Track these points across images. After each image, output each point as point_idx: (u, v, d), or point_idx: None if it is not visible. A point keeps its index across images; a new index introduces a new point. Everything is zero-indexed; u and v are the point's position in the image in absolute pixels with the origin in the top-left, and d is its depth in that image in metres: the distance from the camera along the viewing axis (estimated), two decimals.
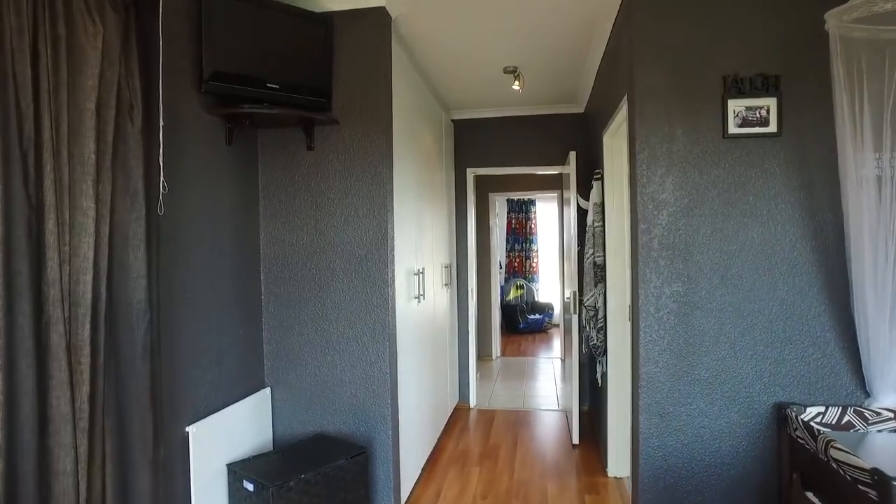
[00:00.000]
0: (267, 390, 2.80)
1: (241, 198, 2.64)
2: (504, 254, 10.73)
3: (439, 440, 4.25)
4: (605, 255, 3.63)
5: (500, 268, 9.59)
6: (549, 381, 6.26)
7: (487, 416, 4.92)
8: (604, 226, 3.65)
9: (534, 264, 10.88)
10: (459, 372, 5.23)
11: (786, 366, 2.47)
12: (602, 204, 3.68)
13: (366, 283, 2.77)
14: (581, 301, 3.87)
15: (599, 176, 3.73)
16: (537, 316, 9.92)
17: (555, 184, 7.57)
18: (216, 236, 2.41)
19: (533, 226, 10.84)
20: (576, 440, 4.14)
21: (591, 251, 3.72)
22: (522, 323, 9.75)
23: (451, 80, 4.21)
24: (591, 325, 3.78)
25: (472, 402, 5.25)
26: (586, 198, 3.91)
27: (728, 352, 2.50)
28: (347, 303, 2.78)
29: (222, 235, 2.46)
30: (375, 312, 2.76)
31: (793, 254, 2.46)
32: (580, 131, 5.05)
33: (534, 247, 10.86)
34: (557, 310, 10.35)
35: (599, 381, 3.77)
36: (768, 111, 2.46)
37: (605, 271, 3.64)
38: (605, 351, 3.65)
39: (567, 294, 4.25)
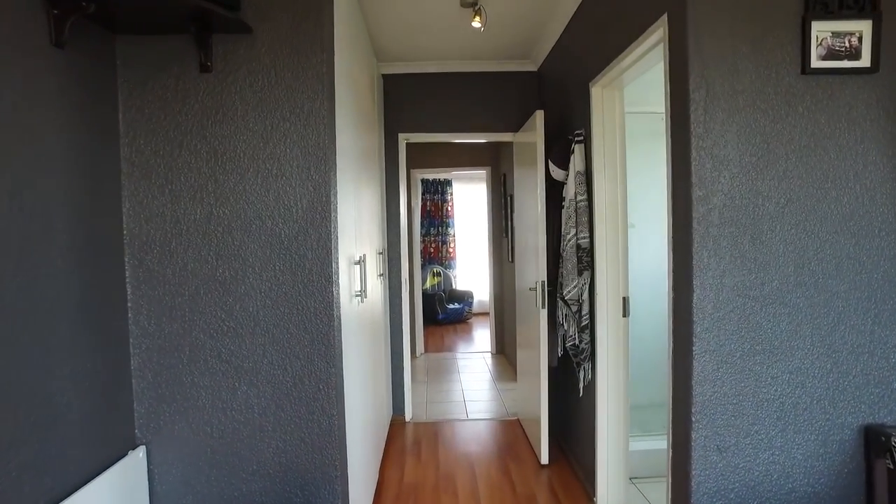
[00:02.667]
0: (140, 451, 1.77)
1: (85, 143, 1.58)
2: (419, 239, 9.91)
3: (381, 471, 3.37)
4: (591, 237, 2.92)
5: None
6: (486, 382, 5.56)
7: (429, 432, 4.10)
8: (589, 199, 2.93)
9: (451, 250, 10.18)
10: (393, 378, 4.37)
11: (876, 378, 1.87)
12: (587, 173, 2.96)
13: (297, 277, 1.82)
14: (561, 295, 3.15)
15: (582, 138, 3.00)
16: (457, 305, 9.24)
17: (484, 158, 6.85)
18: (32, 207, 1.35)
19: (450, 208, 10.12)
20: (545, 459, 3.44)
21: (572, 231, 2.99)
22: (441, 313, 9.03)
23: (392, 18, 3.29)
24: (573, 323, 3.07)
25: (409, 414, 4.40)
26: (562, 166, 3.17)
27: (803, 362, 1.87)
28: (269, 309, 1.82)
29: (47, 206, 1.40)
30: (313, 322, 1.83)
31: (888, 232, 1.85)
32: (535, 92, 4.32)
33: (450, 231, 10.16)
34: (478, 297, 9.74)
35: (581, 390, 3.08)
36: (860, 39, 1.83)
37: (591, 256, 2.93)
38: (592, 355, 2.96)
39: (532, 284, 3.52)
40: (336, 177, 1.91)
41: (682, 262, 1.90)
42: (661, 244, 4.14)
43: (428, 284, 9.56)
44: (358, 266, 2.50)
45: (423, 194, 10.00)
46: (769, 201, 1.85)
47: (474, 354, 6.82)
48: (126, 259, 1.75)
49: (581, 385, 3.05)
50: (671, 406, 2.02)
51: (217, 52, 1.76)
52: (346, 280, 2.19)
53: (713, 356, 1.85)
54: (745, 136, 1.83)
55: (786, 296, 1.86)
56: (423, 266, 9.72)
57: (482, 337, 7.90)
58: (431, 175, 9.82)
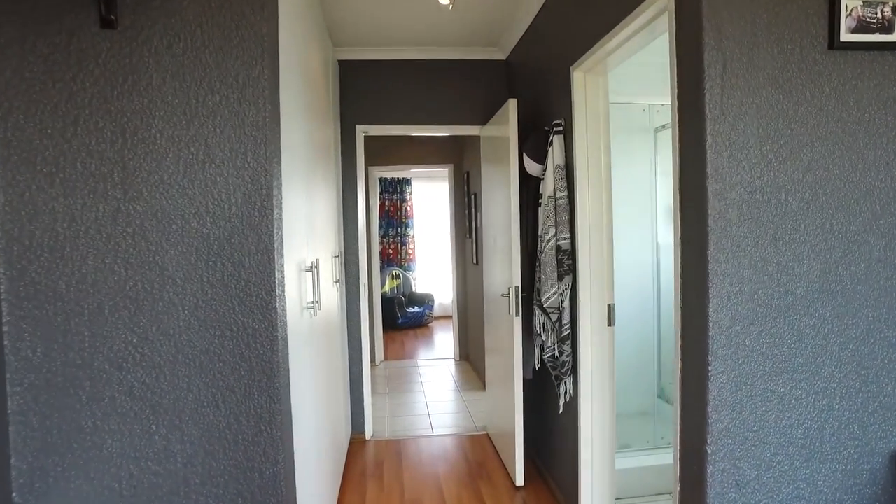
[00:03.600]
0: None
1: None
2: (377, 240, 9.52)
3: (339, 501, 3.00)
4: (573, 237, 2.64)
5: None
6: (451, 392, 5.24)
7: (392, 451, 3.75)
8: (570, 196, 2.65)
9: (410, 251, 9.83)
10: (352, 392, 3.99)
11: None
12: (567, 167, 2.68)
13: (231, 290, 1.45)
14: (538, 302, 2.85)
15: (561, 128, 2.72)
16: (417, 309, 8.90)
17: (447, 155, 6.54)
18: None
19: (409, 208, 9.77)
20: (520, 480, 3.15)
21: (551, 232, 2.70)
22: (401, 317, 8.67)
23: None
24: (552, 334, 2.78)
25: (369, 431, 4.04)
26: (539, 159, 2.88)
27: (829, 381, 1.62)
28: (195, 332, 1.44)
29: None
30: (252, 346, 1.46)
31: None
32: (503, 82, 4.03)
33: (409, 232, 9.81)
34: (438, 300, 9.43)
35: (562, 407, 2.79)
36: (893, 10, 1.60)
37: (573, 259, 2.65)
38: (574, 368, 2.68)
39: (504, 290, 3.22)
40: (281, 166, 1.55)
41: (695, 266, 1.62)
42: (639, 246, 3.95)
43: (387, 287, 9.19)
44: (310, 273, 2.14)
45: (380, 193, 9.61)
46: (792, 196, 1.59)
47: (437, 361, 6.50)
48: (0, 269, 1.34)
49: (561, 402, 2.77)
50: (679, 436, 1.74)
51: (124, 2, 1.37)
52: (296, 290, 1.83)
53: (731, 377, 1.58)
54: (766, 120, 1.57)
55: (811, 305, 1.61)
56: (381, 268, 9.35)
57: (444, 342, 7.58)
58: (390, 173, 9.46)
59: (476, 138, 5.39)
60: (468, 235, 6.14)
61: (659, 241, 3.77)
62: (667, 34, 1.78)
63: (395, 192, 9.76)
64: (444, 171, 8.02)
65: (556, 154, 2.70)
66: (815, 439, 1.62)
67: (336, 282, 3.23)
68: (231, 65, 1.41)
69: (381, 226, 9.59)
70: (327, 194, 2.99)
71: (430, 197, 9.80)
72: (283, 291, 1.52)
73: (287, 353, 1.55)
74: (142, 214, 1.38)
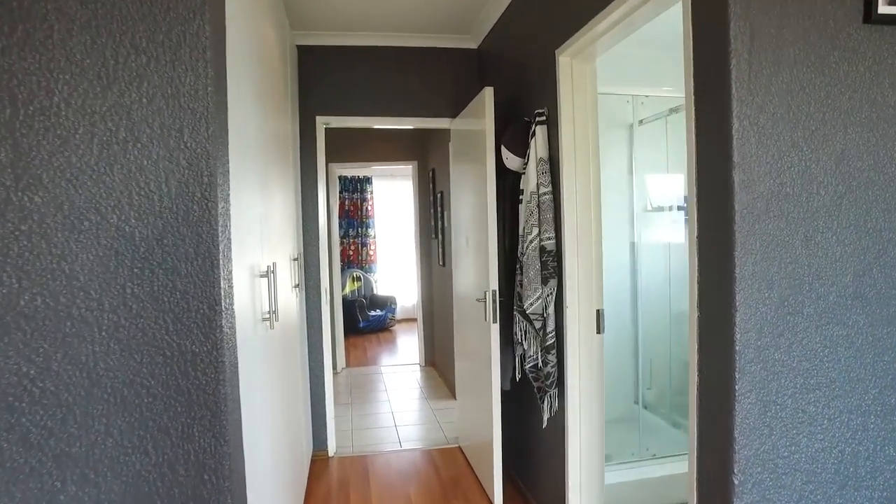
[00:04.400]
0: None
1: None
2: (338, 240, 9.16)
3: None
4: (558, 237, 2.42)
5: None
6: (418, 401, 4.97)
7: (358, 469, 3.45)
8: (555, 192, 2.43)
9: (371, 252, 9.51)
10: (313, 407, 3.68)
11: None
12: (552, 160, 2.46)
13: (163, 304, 1.14)
14: (519, 307, 2.62)
15: (545, 118, 2.49)
16: (379, 312, 8.60)
17: (411, 151, 6.26)
18: None
19: (370, 207, 9.45)
20: (498, 499, 2.90)
21: (534, 231, 2.47)
22: (363, 321, 8.35)
23: None
24: (535, 342, 2.55)
25: (332, 447, 3.73)
26: (519, 152, 2.65)
27: (864, 397, 1.43)
28: (115, 358, 1.12)
29: None
30: (191, 375, 1.16)
31: None
32: (475, 73, 3.80)
33: (371, 232, 9.49)
34: (401, 303, 9.14)
35: (545, 422, 2.56)
36: None
37: (558, 261, 2.42)
38: (560, 380, 2.45)
39: (480, 294, 2.98)
40: (228, 148, 1.25)
41: (717, 269, 1.41)
42: (616, 246, 3.78)
43: (347, 290, 8.84)
44: (266, 279, 1.84)
45: (340, 193, 9.26)
46: (824, 189, 1.40)
47: (402, 367, 6.22)
48: None
49: (545, 417, 2.54)
50: (696, 466, 1.52)
51: None
52: (249, 301, 1.53)
53: (759, 396, 1.37)
54: (796, 101, 1.37)
55: (843, 313, 1.41)
56: (341, 270, 8.99)
57: (409, 347, 7.30)
58: (351, 171, 9.13)
59: (442, 134, 5.15)
60: (433, 236, 5.88)
61: (636, 241, 3.61)
62: (670, 11, 1.58)
63: (355, 191, 9.43)
64: (406, 170, 7.75)
65: (538, 146, 2.47)
66: (849, 464, 1.43)
67: (295, 286, 2.92)
68: (162, 17, 1.11)
69: (340, 226, 9.23)
70: (285, 190, 2.68)
71: (391, 196, 9.50)
72: (232, 304, 1.23)
73: (237, 381, 1.26)
74: (41, 208, 1.06)
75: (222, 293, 1.17)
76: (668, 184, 3.69)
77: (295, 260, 2.98)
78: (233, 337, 1.23)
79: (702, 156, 1.46)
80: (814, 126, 1.38)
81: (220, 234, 1.16)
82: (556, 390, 2.47)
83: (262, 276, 1.81)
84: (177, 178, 1.12)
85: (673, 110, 3.46)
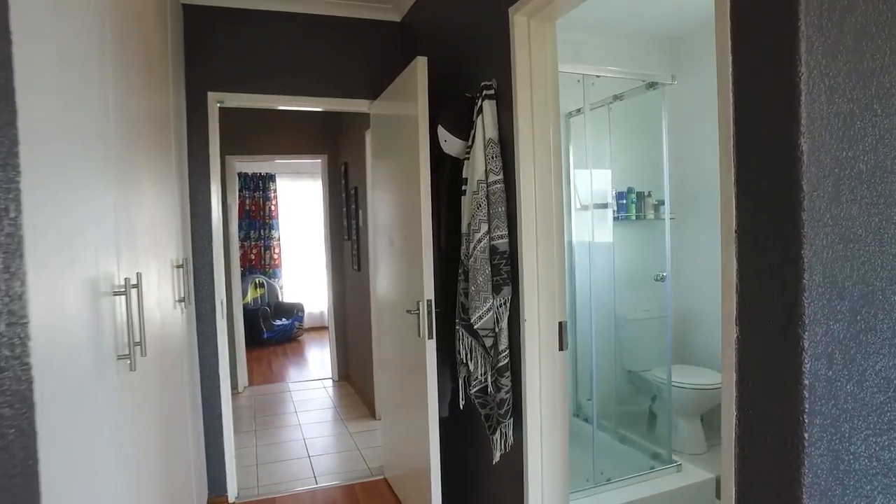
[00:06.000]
0: None
1: None
2: (238, 243, 8.31)
3: None
4: (513, 235, 2.00)
5: None
6: (333, 424, 4.40)
7: None
8: (509, 180, 2.01)
9: (275, 256, 8.74)
10: (207, 442, 3.03)
11: None
12: (504, 141, 2.04)
13: None
14: (465, 321, 2.17)
15: (493, 92, 2.07)
16: (285, 321, 7.88)
17: (320, 143, 5.66)
18: None
19: (273, 207, 8.68)
20: None
21: (483, 228, 2.04)
22: (267, 331, 7.60)
23: None
24: (484, 363, 2.12)
25: (233, 490, 3.09)
26: (461, 133, 2.21)
27: None
28: None
29: None
30: None
31: None
32: (398, 50, 3.32)
33: (275, 234, 8.73)
34: (309, 310, 8.46)
35: (498, 457, 2.14)
36: None
37: (513, 264, 2.01)
38: (516, 408, 2.04)
39: (411, 304, 2.50)
40: (16, 117, 0.69)
41: (772, 274, 1.03)
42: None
43: (249, 298, 8.04)
44: (124, 297, 1.26)
45: (240, 191, 8.42)
46: None
47: (312, 383, 5.60)
48: None
49: (498, 453, 2.11)
50: None
51: None
52: (88, 331, 0.97)
53: (830, 444, 1.01)
54: (870, 48, 1.03)
55: None
56: (242, 276, 8.16)
57: (319, 359, 6.67)
58: (252, 166, 8.33)
59: (355, 125, 4.62)
60: (346, 237, 5.33)
61: (572, 240, 3.30)
62: None
63: (256, 190, 8.63)
64: (314, 166, 7.12)
65: (487, 124, 2.04)
66: None
67: (180, 301, 2.30)
68: None
69: (241, 228, 8.39)
70: (162, 181, 2.06)
71: (297, 195, 8.79)
72: (26, 350, 0.67)
73: (36, 478, 0.70)
74: None
75: (27, 345, 0.62)
76: (601, 179, 3.42)
77: (179, 267, 2.35)
78: (40, 407, 0.68)
79: (744, 117, 1.08)
80: (888, 82, 1.05)
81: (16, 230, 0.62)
82: (512, 420, 2.05)
83: (116, 294, 1.23)
84: None
85: (617, 97, 3.18)
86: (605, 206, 3.36)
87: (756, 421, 1.08)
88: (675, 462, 2.89)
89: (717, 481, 2.85)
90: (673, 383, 3.09)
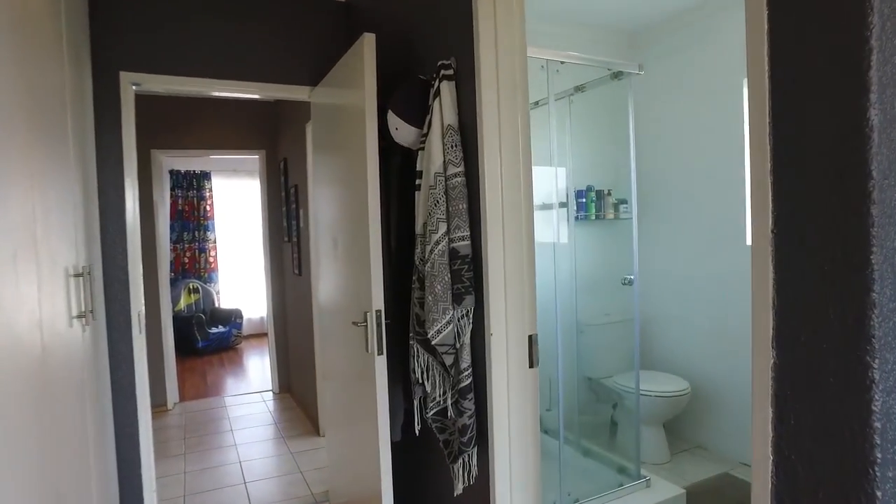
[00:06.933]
0: None
1: None
2: (169, 246, 7.73)
3: None
4: (475, 236, 1.74)
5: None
6: (273, 442, 4.03)
7: None
8: (472, 173, 1.75)
9: (211, 259, 8.20)
10: (122, 477, 2.62)
11: None
12: (465, 128, 1.77)
13: None
14: (420, 335, 1.89)
15: (452, 72, 1.81)
16: (221, 328, 7.37)
17: (256, 138, 5.26)
18: None
19: (208, 207, 8.13)
20: None
21: (441, 228, 1.77)
22: (203, 340, 7.09)
23: None
24: (443, 382, 1.85)
25: None
26: (415, 120, 1.93)
27: None
28: None
29: None
30: None
31: None
32: (342, 32, 3.01)
33: (210, 236, 8.18)
34: (248, 316, 7.96)
35: (460, 489, 1.87)
36: None
37: (476, 269, 1.75)
38: (481, 434, 1.78)
39: (358, 315, 2.20)
40: None
41: (823, 285, 0.81)
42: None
43: (182, 304, 7.49)
44: None
45: (172, 189, 7.85)
46: None
47: (251, 397, 5.18)
48: None
49: (459, 486, 1.84)
50: None
51: None
52: None
53: None
54: None
55: None
56: (174, 282, 7.58)
57: (259, 369, 6.24)
58: (183, 162, 7.77)
59: (295, 118, 4.26)
60: (287, 238, 4.95)
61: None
62: None
63: (190, 189, 8.06)
64: (252, 163, 6.69)
65: (445, 109, 1.77)
66: None
67: (78, 317, 1.92)
68: None
69: (173, 229, 7.82)
70: (52, 174, 1.68)
71: (234, 194, 8.27)
72: None
73: None
74: None
75: None
76: (557, 177, 3.21)
77: (77, 276, 1.97)
78: None
79: (786, 86, 0.85)
80: None
81: None
82: (476, 449, 1.79)
83: None
84: None
85: (578, 89, 2.98)
86: (551, 206, 3.13)
87: (802, 471, 0.85)
88: (644, 477, 2.71)
89: (687, 496, 2.69)
90: (634, 390, 2.92)
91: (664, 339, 3.60)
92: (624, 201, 3.39)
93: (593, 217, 3.37)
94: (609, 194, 3.41)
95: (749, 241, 3.30)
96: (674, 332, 3.53)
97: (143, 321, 2.70)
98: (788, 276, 0.86)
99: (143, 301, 2.69)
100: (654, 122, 3.53)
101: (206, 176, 8.06)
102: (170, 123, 4.85)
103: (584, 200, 3.37)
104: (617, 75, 2.70)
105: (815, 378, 0.83)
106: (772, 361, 0.88)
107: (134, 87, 2.63)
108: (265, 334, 7.19)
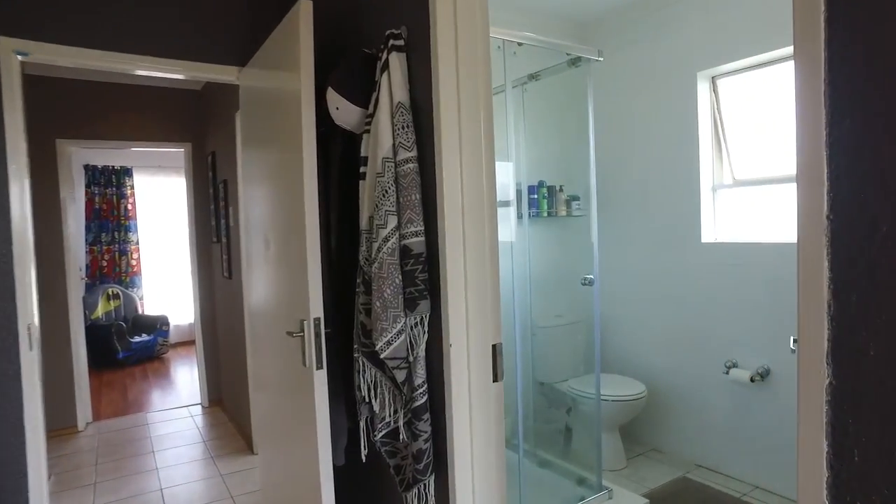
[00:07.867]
0: None
1: None
2: (84, 248, 7.07)
3: None
4: (430, 232, 1.51)
5: (80, 271, 6.04)
6: (202, 464, 3.64)
7: None
8: (423, 159, 1.51)
9: (133, 262, 7.57)
10: None
11: None
12: (417, 107, 1.53)
13: None
14: (366, 346, 1.63)
15: (402, 43, 1.56)
16: (145, 337, 6.80)
17: (180, 131, 4.81)
18: None
19: (130, 206, 7.50)
20: None
21: (391, 223, 1.52)
22: (123, 351, 6.50)
23: None
24: (394, 401, 1.60)
25: None
26: (358, 99, 1.67)
27: None
28: None
29: None
30: None
31: None
32: (275, 3, 2.70)
33: (132, 237, 7.54)
34: (175, 322, 7.40)
35: None
36: None
37: (432, 270, 1.51)
38: (439, 460, 1.54)
39: (293, 325, 1.92)
40: None
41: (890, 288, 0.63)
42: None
43: (100, 312, 6.86)
44: None
45: (87, 186, 7.18)
46: None
47: (177, 412, 4.73)
48: None
49: None
50: None
51: None
52: None
53: None
54: None
55: None
56: (90, 287, 6.94)
57: (187, 380, 5.76)
58: (101, 158, 7.13)
59: (224, 107, 3.89)
60: (215, 239, 4.55)
61: None
62: None
63: (109, 186, 7.40)
64: (178, 158, 6.18)
65: (395, 85, 1.53)
66: None
67: None
68: None
69: (89, 230, 7.16)
70: None
71: (159, 192, 7.67)
72: None
73: None
74: None
75: None
76: (503, 172, 3.03)
77: None
78: None
79: (853, 31, 0.67)
80: None
81: None
82: (434, 477, 1.56)
83: None
84: None
85: (532, 77, 2.80)
86: (508, 203, 2.95)
87: None
88: (606, 488, 2.55)
89: None
90: (593, 395, 2.77)
91: (618, 339, 3.49)
92: (576, 198, 3.24)
93: (545, 214, 3.20)
94: (561, 190, 3.26)
95: (704, 239, 3.25)
96: (627, 332, 3.42)
97: (36, 335, 2.30)
98: (850, 275, 0.67)
99: (35, 312, 2.29)
100: (607, 115, 3.41)
101: (126, 172, 7.43)
102: (80, 111, 4.35)
103: (535, 197, 3.20)
104: (575, 62, 2.53)
105: (887, 402, 0.64)
106: (827, 382, 0.70)
107: (20, 58, 2.23)
108: (194, 342, 6.69)
